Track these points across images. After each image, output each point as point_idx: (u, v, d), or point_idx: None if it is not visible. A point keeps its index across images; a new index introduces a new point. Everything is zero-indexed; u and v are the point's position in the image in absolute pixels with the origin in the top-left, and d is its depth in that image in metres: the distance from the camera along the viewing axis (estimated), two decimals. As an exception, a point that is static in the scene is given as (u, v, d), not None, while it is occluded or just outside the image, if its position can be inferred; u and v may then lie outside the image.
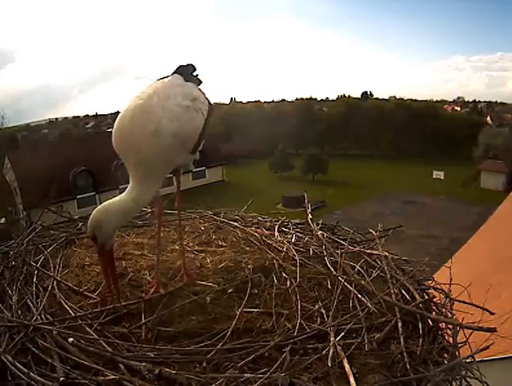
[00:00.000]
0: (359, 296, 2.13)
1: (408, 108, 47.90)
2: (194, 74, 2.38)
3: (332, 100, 62.78)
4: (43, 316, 1.92)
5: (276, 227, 3.04)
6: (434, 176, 36.24)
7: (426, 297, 2.27)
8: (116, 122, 2.06)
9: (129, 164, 2.02)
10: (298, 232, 3.01)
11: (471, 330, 1.87)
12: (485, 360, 2.18)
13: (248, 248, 2.70)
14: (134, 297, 2.13)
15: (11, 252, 2.52)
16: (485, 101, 71.84)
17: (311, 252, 2.66)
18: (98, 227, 1.93)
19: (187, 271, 2.32)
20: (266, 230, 3.03)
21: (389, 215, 24.17)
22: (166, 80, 2.25)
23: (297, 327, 1.90)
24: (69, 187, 25.93)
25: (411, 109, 47.18)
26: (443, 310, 2.18)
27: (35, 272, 2.31)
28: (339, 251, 2.58)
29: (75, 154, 26.34)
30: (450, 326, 2.00)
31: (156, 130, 1.98)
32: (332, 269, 2.36)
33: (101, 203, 2.02)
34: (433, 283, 2.45)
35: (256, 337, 1.84)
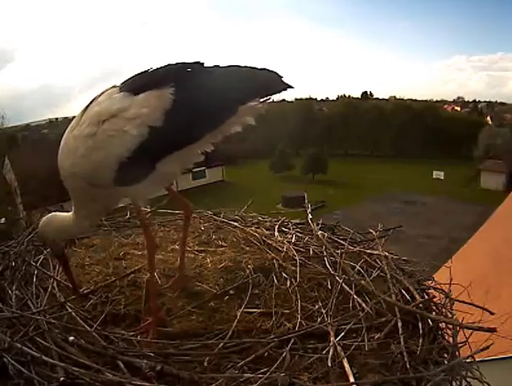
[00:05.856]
0: (358, 296, 2.13)
1: (408, 108, 47.93)
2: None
3: (332, 100, 62.89)
4: (42, 316, 1.91)
5: (276, 227, 3.04)
6: (434, 176, 36.26)
7: (426, 297, 2.26)
8: None
9: None
10: (298, 232, 3.00)
11: (471, 330, 1.87)
12: (485, 360, 2.17)
13: (248, 248, 2.70)
14: (134, 297, 2.13)
15: (11, 252, 2.52)
16: (485, 101, 71.87)
17: (311, 252, 2.66)
18: (43, 238, 2.00)
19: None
20: (266, 230, 3.03)
21: (389, 215, 24.13)
22: (98, 97, 1.86)
23: (297, 327, 1.90)
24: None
25: (411, 109, 47.20)
26: (443, 310, 2.17)
27: (35, 272, 2.32)
28: (339, 251, 2.57)
29: (75, 154, 26.22)
30: (450, 326, 1.99)
31: (59, 166, 1.88)
32: (332, 269, 2.36)
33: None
34: (433, 283, 2.45)
35: (256, 337, 1.84)
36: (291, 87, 1.91)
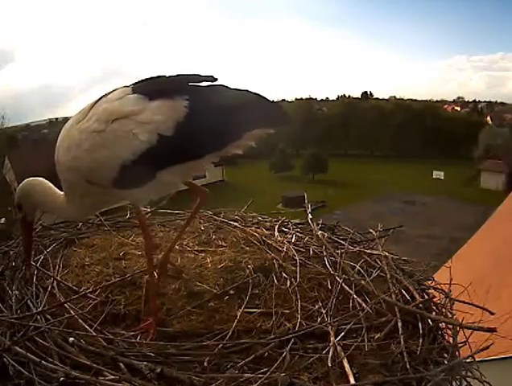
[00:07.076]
0: (359, 296, 2.13)
1: (408, 108, 48.00)
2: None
3: (332, 100, 62.93)
4: (42, 316, 1.91)
5: (276, 227, 3.03)
6: (434, 176, 36.31)
7: (426, 297, 2.26)
8: None
9: None
10: (298, 232, 3.00)
11: (471, 330, 1.87)
12: (485, 360, 2.17)
13: (248, 248, 2.70)
14: (134, 297, 2.13)
15: (11, 252, 2.51)
16: (485, 101, 71.86)
17: (311, 252, 2.66)
18: (24, 196, 1.99)
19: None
20: (266, 230, 3.03)
21: (389, 215, 24.15)
22: (108, 94, 1.85)
23: (297, 327, 1.90)
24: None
25: (411, 109, 47.27)
26: (443, 310, 2.17)
27: (35, 272, 2.31)
28: (339, 251, 2.57)
29: (75, 154, 26.22)
30: (450, 326, 1.99)
31: (56, 161, 1.86)
32: (332, 269, 2.36)
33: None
34: (433, 283, 2.45)
35: (256, 337, 1.84)
36: (291, 121, 2.02)
